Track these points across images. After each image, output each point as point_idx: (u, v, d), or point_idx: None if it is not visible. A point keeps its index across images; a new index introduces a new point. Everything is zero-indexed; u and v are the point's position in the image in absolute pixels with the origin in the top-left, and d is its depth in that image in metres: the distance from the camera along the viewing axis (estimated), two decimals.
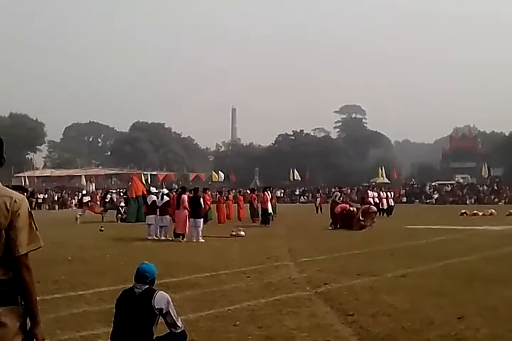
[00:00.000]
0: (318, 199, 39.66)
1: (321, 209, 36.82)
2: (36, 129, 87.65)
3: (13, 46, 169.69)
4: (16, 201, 3.20)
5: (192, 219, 18.82)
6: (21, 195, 3.27)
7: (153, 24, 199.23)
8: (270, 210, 26.36)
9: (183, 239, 18.95)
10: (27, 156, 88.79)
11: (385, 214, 31.69)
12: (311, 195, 65.99)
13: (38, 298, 8.85)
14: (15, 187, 3.34)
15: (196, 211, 18.91)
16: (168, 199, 20.29)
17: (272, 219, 29.39)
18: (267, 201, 26.21)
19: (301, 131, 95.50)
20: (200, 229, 18.80)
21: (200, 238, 18.58)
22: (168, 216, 19.95)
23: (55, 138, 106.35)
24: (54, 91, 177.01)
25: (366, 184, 40.36)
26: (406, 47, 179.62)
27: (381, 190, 33.47)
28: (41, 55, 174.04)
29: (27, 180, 64.00)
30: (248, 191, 37.58)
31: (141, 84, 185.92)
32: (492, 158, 74.03)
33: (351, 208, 23.80)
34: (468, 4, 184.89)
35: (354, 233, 21.36)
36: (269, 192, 27.21)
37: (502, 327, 6.84)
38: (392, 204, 33.52)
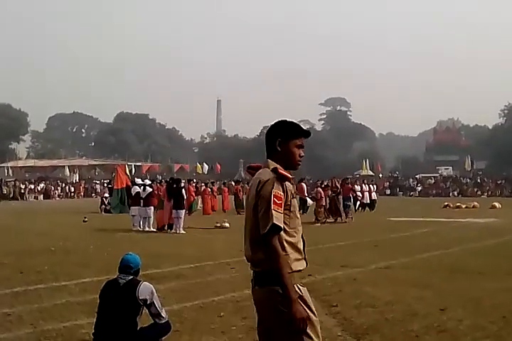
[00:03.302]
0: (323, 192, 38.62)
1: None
2: (19, 119, 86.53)
3: None
4: (260, 181, 3.29)
5: (174, 211, 18.76)
6: (269, 176, 3.30)
7: (139, 15, 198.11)
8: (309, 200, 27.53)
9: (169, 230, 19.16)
10: (10, 146, 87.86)
11: (367, 208, 30.64)
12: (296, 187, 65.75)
13: (20, 288, 8.76)
14: (275, 169, 3.33)
15: (178, 202, 18.84)
16: (151, 190, 20.20)
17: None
18: (305, 191, 27.87)
19: None
20: (182, 220, 18.76)
21: (181, 229, 18.55)
22: (151, 207, 19.86)
23: (38, 129, 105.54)
24: (38, 81, 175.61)
25: (350, 176, 40.36)
26: (391, 40, 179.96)
27: (363, 183, 32.00)
28: (25, 44, 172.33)
29: (10, 170, 63.47)
30: (233, 183, 37.54)
31: (125, 74, 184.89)
32: (475, 151, 74.67)
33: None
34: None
35: (338, 225, 21.43)
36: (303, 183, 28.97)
37: (484, 318, 6.88)
38: (375, 198, 31.84)
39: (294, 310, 3.12)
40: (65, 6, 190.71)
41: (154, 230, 19.36)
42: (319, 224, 21.79)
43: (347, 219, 23.22)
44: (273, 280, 3.19)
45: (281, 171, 3.33)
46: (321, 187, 23.88)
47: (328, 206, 23.21)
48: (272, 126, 3.55)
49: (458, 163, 73.45)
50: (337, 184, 24.37)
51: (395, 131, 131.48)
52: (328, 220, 22.63)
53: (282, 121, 3.56)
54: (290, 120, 3.57)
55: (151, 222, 19.75)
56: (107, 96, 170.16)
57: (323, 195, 23.13)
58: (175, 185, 19.32)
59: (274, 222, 3.17)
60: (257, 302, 3.37)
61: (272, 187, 3.23)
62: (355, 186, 29.86)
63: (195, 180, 34.91)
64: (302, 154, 3.52)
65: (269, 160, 3.43)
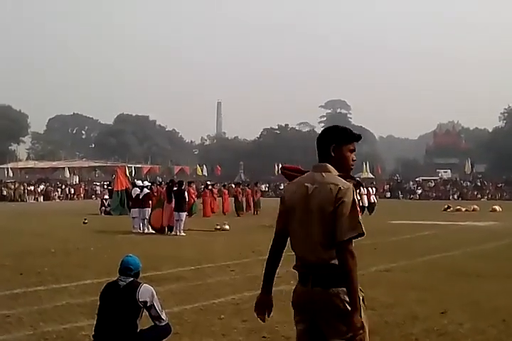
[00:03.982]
0: None
1: None
2: (20, 120, 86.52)
3: None
4: (341, 188, 3.31)
5: (175, 213, 18.74)
6: (348, 184, 3.37)
7: (139, 16, 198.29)
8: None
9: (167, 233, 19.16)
10: (10, 148, 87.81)
11: (366, 211, 29.07)
12: None
13: (20, 290, 8.74)
14: (344, 177, 3.47)
15: (180, 204, 18.83)
16: (148, 191, 20.19)
17: (257, 213, 29.50)
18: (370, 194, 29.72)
19: (286, 125, 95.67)
20: (182, 222, 18.75)
21: (182, 231, 18.54)
22: (148, 208, 19.81)
23: (38, 130, 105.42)
24: (38, 82, 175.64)
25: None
26: (392, 42, 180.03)
27: (362, 186, 30.70)
28: (25, 45, 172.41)
29: (10, 171, 63.45)
30: (233, 185, 37.56)
31: (126, 76, 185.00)
32: (475, 154, 74.68)
33: None
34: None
35: None
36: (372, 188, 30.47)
37: (484, 322, 6.89)
38: (374, 200, 30.65)
39: (355, 319, 3.24)
40: (65, 6, 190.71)
41: (152, 231, 19.31)
42: None
43: None
44: (340, 282, 3.33)
45: (358, 179, 3.44)
46: None
47: None
48: (325, 131, 3.62)
49: (458, 166, 73.45)
50: None
51: (395, 134, 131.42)
52: None
53: (335, 126, 3.65)
54: (342, 126, 3.66)
55: (147, 223, 19.73)
56: (107, 98, 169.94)
57: None
58: (175, 188, 19.31)
59: (364, 230, 3.35)
60: (311, 302, 3.40)
61: (353, 195, 3.34)
62: None
63: (208, 182, 35.03)
64: (354, 158, 3.60)
65: (329, 165, 3.48)
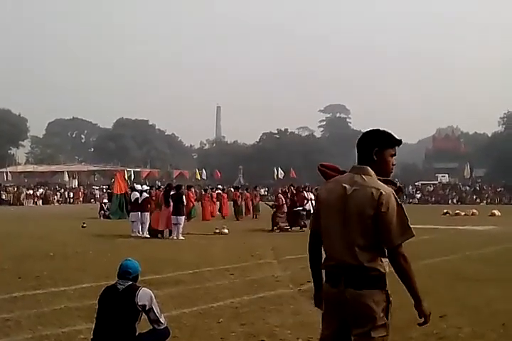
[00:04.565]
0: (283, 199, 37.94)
1: None
2: (19, 124, 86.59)
3: None
4: (382, 193, 3.32)
5: (174, 217, 18.71)
6: (389, 188, 3.39)
7: (138, 21, 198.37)
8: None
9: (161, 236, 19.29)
10: (9, 152, 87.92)
11: None
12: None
13: (18, 293, 8.72)
14: (385, 181, 3.49)
15: (178, 208, 18.80)
16: (147, 196, 20.18)
17: (256, 217, 29.51)
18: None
19: (286, 129, 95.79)
20: (181, 226, 18.72)
21: (180, 235, 18.51)
22: (147, 213, 19.78)
23: (38, 134, 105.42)
24: (37, 86, 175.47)
25: None
26: (392, 47, 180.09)
27: None
28: (24, 49, 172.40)
29: (9, 175, 63.47)
30: (232, 189, 37.56)
31: (125, 80, 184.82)
32: (474, 158, 74.71)
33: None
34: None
35: None
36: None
37: (483, 326, 6.88)
38: None
39: (425, 307, 3.49)
40: (65, 6, 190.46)
41: (148, 236, 19.25)
42: (278, 231, 21.73)
43: (300, 230, 21.50)
44: (372, 285, 3.42)
45: (399, 184, 3.52)
46: (282, 194, 23.83)
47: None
48: (367, 135, 3.60)
49: (457, 170, 73.48)
50: (293, 191, 23.97)
51: None
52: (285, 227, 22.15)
53: (377, 130, 3.63)
54: (383, 129, 3.64)
55: (146, 228, 19.70)
56: (106, 102, 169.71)
57: (284, 202, 22.92)
58: (173, 192, 19.27)
59: (414, 232, 3.39)
60: (343, 303, 3.42)
61: (397, 199, 3.36)
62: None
63: (220, 186, 35.10)
64: (394, 163, 3.61)
65: (369, 169, 3.47)
